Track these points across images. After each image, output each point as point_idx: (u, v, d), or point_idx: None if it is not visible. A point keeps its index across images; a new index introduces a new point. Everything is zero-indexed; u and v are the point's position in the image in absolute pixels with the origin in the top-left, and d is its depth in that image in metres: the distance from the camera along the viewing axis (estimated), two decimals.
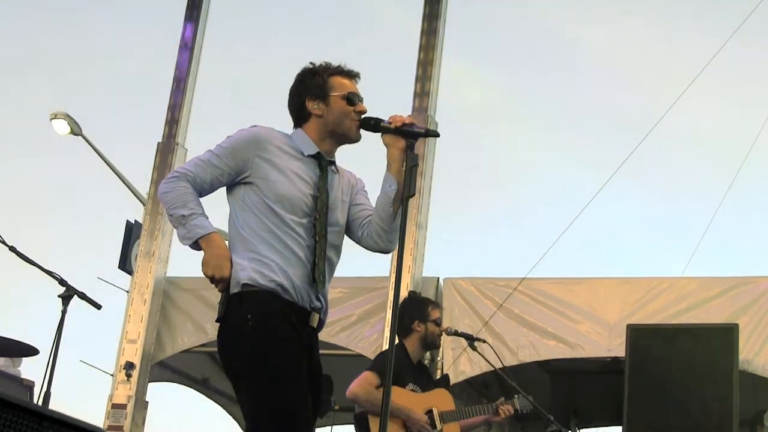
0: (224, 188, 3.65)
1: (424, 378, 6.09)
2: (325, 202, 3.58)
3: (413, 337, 5.95)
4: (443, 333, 6.07)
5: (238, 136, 3.60)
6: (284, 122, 3.75)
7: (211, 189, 3.61)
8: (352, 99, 3.63)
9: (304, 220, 3.52)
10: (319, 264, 3.52)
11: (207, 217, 3.55)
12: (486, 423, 6.22)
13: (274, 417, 3.34)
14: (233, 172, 3.56)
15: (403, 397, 5.73)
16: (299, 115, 3.68)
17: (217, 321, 3.54)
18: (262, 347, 3.39)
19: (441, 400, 6.03)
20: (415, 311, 5.98)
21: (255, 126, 3.64)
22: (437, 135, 3.96)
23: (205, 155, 3.58)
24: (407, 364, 5.85)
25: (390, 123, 3.59)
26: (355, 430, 5.82)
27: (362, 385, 5.66)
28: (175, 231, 4.04)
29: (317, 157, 3.63)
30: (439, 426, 5.88)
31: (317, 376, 3.57)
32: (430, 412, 5.88)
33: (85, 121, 12.11)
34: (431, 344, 6.09)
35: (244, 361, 3.41)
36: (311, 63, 3.72)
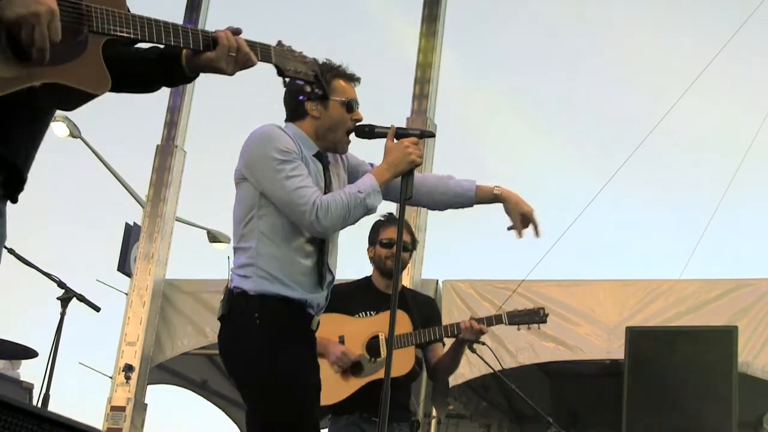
0: (236, 181, 3.55)
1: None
2: None
3: (373, 265, 5.09)
4: (392, 254, 4.97)
5: (274, 136, 3.46)
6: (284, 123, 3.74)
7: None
8: (352, 106, 3.61)
9: None
10: (328, 262, 3.52)
11: (359, 181, 3.49)
12: (457, 349, 4.99)
13: (283, 419, 3.33)
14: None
15: (338, 324, 4.82)
16: (295, 111, 3.65)
17: (219, 319, 3.47)
18: (271, 348, 3.34)
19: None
20: (369, 236, 5.10)
21: (265, 127, 3.52)
22: (432, 135, 3.97)
23: (296, 171, 3.40)
24: (367, 292, 5.00)
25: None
26: None
27: None
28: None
29: (317, 155, 3.62)
30: (384, 353, 4.87)
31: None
32: (375, 338, 4.90)
33: (84, 123, 12.11)
34: (381, 269, 5.03)
35: (250, 362, 3.36)
36: (313, 59, 3.67)
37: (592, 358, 8.23)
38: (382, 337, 4.83)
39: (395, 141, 3.55)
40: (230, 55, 2.50)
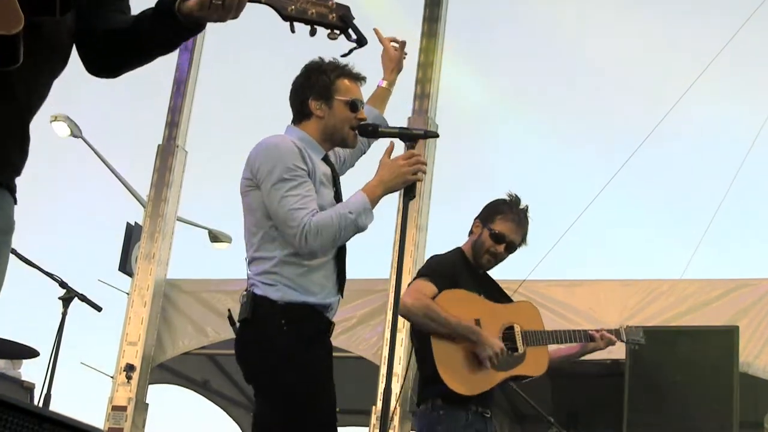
0: (246, 192, 3.52)
1: (495, 291, 4.71)
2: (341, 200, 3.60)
3: (469, 239, 4.67)
4: (498, 257, 4.62)
5: (283, 151, 3.42)
6: (284, 124, 3.74)
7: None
8: (356, 105, 3.60)
9: None
10: (345, 263, 3.55)
11: (350, 199, 3.45)
12: (579, 354, 4.92)
13: (310, 423, 3.33)
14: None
15: (475, 305, 4.48)
16: (300, 111, 3.64)
17: (241, 322, 3.44)
18: (293, 356, 3.34)
19: (525, 316, 4.66)
20: (484, 210, 4.68)
21: (275, 139, 3.51)
22: (436, 136, 3.96)
23: (295, 191, 3.35)
24: (466, 268, 4.60)
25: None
26: (414, 345, 4.52)
27: (415, 296, 4.33)
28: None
29: (324, 158, 3.62)
30: (521, 349, 4.53)
31: None
32: (510, 330, 4.56)
33: (86, 123, 12.12)
34: (477, 258, 4.61)
35: (273, 369, 3.35)
36: (320, 58, 3.64)
37: (593, 358, 8.21)
38: (517, 330, 4.54)
39: (391, 158, 3.50)
40: None
